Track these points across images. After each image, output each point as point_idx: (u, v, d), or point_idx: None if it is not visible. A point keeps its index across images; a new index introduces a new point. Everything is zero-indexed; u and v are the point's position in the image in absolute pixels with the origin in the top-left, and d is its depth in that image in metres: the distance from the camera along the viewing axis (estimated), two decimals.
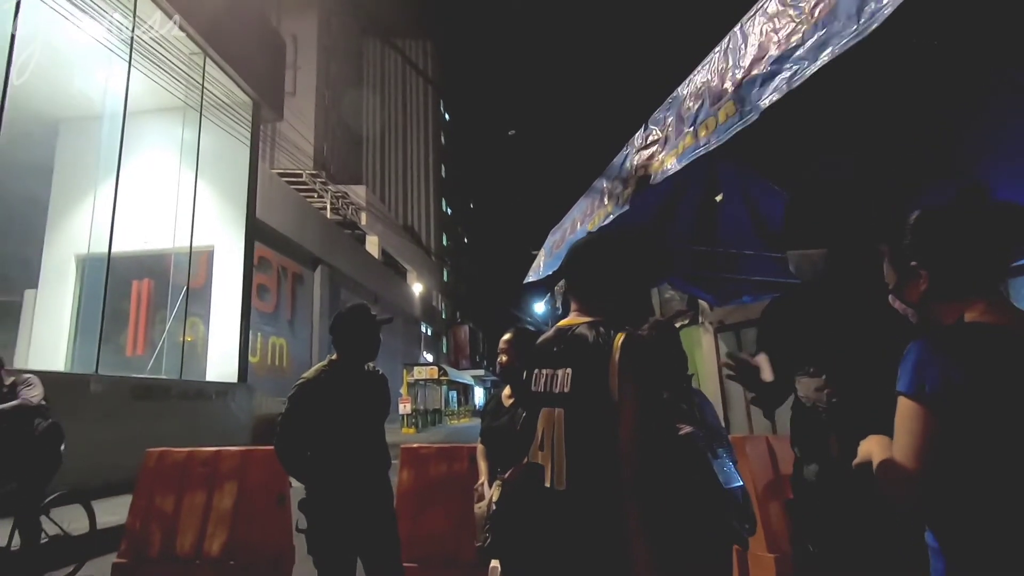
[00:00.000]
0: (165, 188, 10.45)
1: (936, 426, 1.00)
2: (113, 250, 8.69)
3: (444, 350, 42.15)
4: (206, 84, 10.50)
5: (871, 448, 1.18)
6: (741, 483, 2.03)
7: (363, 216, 27.26)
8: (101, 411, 7.32)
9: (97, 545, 4.22)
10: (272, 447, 3.96)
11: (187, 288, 10.34)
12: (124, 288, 10.45)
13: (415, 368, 26.30)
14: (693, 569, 1.71)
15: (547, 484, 1.34)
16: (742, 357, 1.82)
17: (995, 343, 1.02)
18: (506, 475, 1.60)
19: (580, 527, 1.28)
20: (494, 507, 1.82)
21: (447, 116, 56.72)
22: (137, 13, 8.69)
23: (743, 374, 1.80)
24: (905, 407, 1.05)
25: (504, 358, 2.46)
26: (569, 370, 1.37)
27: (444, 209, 52.42)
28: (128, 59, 8.81)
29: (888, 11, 1.26)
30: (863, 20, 1.31)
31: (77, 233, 9.98)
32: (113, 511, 5.40)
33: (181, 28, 9.04)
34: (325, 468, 2.37)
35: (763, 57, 1.60)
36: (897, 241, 1.19)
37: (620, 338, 1.31)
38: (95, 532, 4.17)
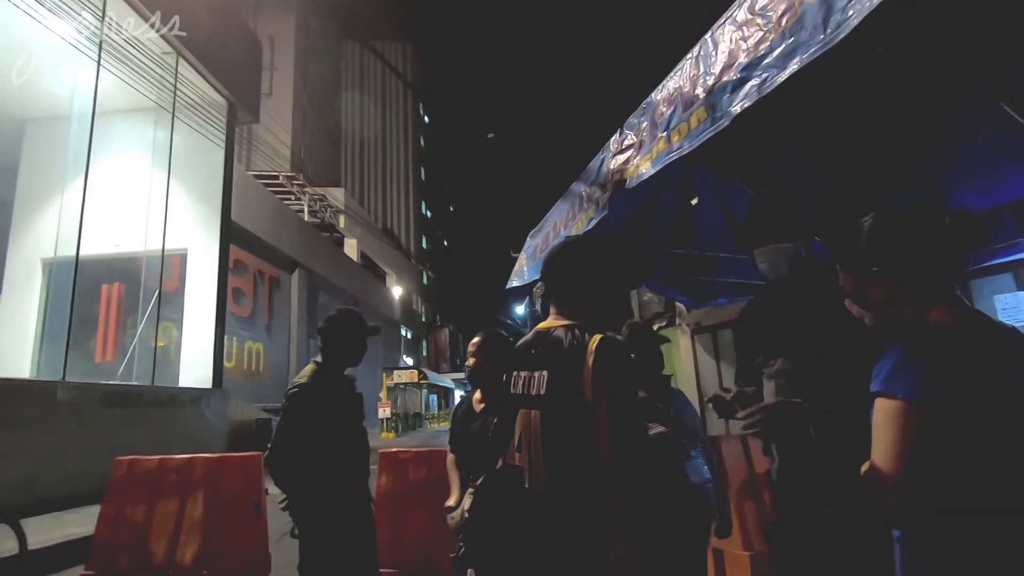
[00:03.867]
0: (136, 190, 10.19)
1: (919, 426, 1.00)
2: (82, 253, 8.42)
3: (424, 353, 41.89)
4: (179, 85, 10.29)
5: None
6: (710, 478, 2.06)
7: (341, 219, 26.98)
8: (69, 419, 7.10)
9: (27, 568, 3.98)
10: (248, 454, 3.91)
11: (159, 292, 10.10)
12: (93, 292, 10.17)
13: (395, 372, 26.09)
14: (668, 567, 1.73)
15: (527, 485, 1.35)
16: (718, 395, 1.85)
17: (968, 343, 1.04)
18: (478, 482, 1.59)
19: (560, 527, 1.29)
20: (467, 515, 1.80)
21: (426, 119, 56.53)
22: (107, 12, 8.49)
23: (725, 411, 1.83)
24: (886, 407, 1.04)
25: (473, 360, 2.45)
26: (545, 372, 1.38)
27: (424, 212, 52.18)
28: (97, 59, 8.60)
29: (854, 22, 1.30)
30: (829, 30, 1.35)
31: (43, 236, 9.68)
32: (82, 522, 5.25)
33: (163, 33, 8.84)
34: (320, 474, 2.34)
35: (733, 64, 1.63)
36: (853, 246, 1.21)
37: (594, 341, 1.32)
38: (26, 553, 3.86)
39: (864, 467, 1.08)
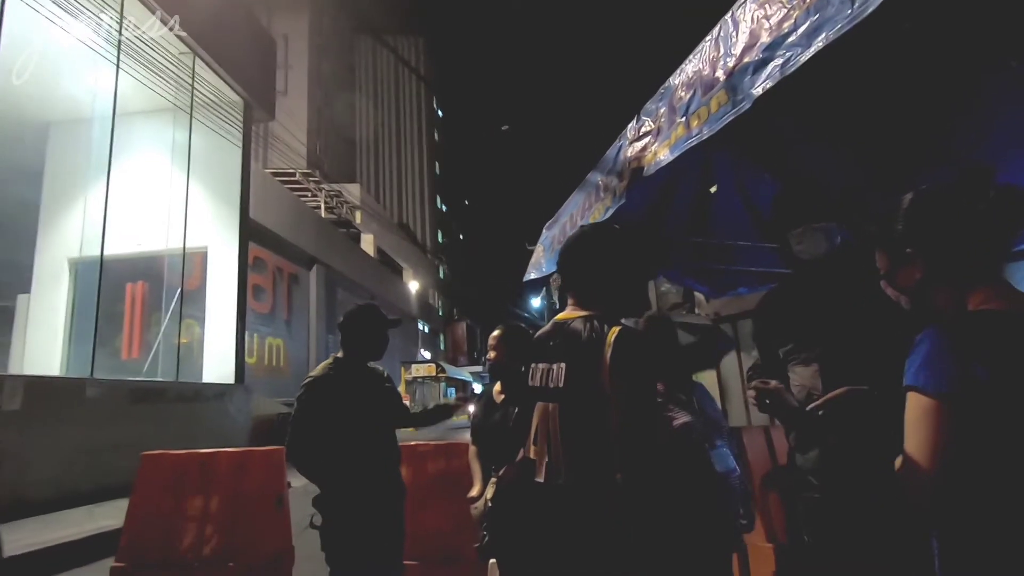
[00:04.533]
0: (157, 190, 10.37)
1: (953, 423, 0.95)
2: (106, 253, 8.62)
3: (442, 347, 42.11)
4: (196, 85, 10.41)
5: None
6: (735, 468, 2.03)
7: (358, 215, 27.15)
8: (97, 415, 7.28)
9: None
10: (271, 448, 3.96)
11: (181, 290, 10.28)
12: (118, 291, 10.38)
13: (413, 366, 26.30)
14: (692, 560, 1.70)
15: (539, 479, 1.33)
16: (760, 388, 1.78)
17: (1009, 332, 0.97)
18: (500, 473, 1.60)
19: (577, 520, 1.27)
20: (489, 505, 1.81)
21: (440, 113, 56.49)
22: (125, 14, 8.60)
23: (775, 404, 1.76)
24: (918, 403, 0.99)
25: (493, 354, 2.45)
26: (564, 364, 1.35)
27: (439, 206, 52.28)
28: (116, 61, 8.73)
29: None
30: (857, 4, 1.29)
31: (69, 236, 9.90)
32: (113, 515, 5.39)
33: (171, 29, 8.93)
34: (340, 466, 2.37)
35: (755, 44, 1.58)
36: (889, 226, 1.14)
37: (613, 333, 1.29)
38: (1, 561, 3.68)
39: (897, 462, 1.04)
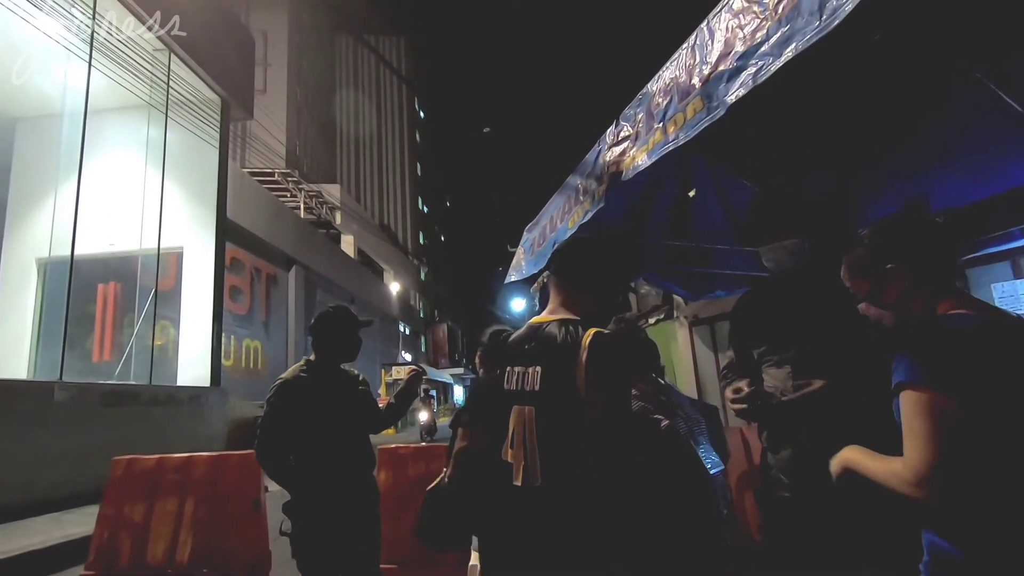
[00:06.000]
0: (130, 188, 10.13)
1: (948, 410, 1.01)
2: (77, 252, 8.38)
3: (423, 349, 41.88)
4: (172, 82, 10.21)
5: (850, 457, 1.18)
6: (723, 467, 2.06)
7: (338, 215, 26.86)
8: (67, 419, 7.08)
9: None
10: (246, 451, 3.91)
11: (156, 291, 10.06)
12: (89, 292, 10.12)
13: (393, 368, 26.07)
14: (688, 559, 1.72)
15: (517, 482, 1.34)
16: (737, 394, 1.81)
17: (979, 332, 1.06)
18: (456, 448, 1.62)
19: (556, 523, 1.28)
20: (445, 481, 1.81)
21: (422, 114, 56.24)
22: (98, 10, 8.40)
23: (752, 409, 1.79)
24: (912, 397, 1.04)
25: (483, 371, 2.48)
26: (539, 368, 1.36)
27: (420, 207, 52.01)
28: (88, 57, 8.52)
29: (849, 7, 1.29)
30: (825, 16, 1.33)
31: (38, 235, 9.62)
32: (82, 522, 5.25)
33: (154, 32, 8.75)
34: (309, 470, 2.33)
35: (729, 53, 1.62)
36: (860, 252, 1.24)
37: (588, 336, 1.31)
38: None
39: (882, 465, 1.08)
